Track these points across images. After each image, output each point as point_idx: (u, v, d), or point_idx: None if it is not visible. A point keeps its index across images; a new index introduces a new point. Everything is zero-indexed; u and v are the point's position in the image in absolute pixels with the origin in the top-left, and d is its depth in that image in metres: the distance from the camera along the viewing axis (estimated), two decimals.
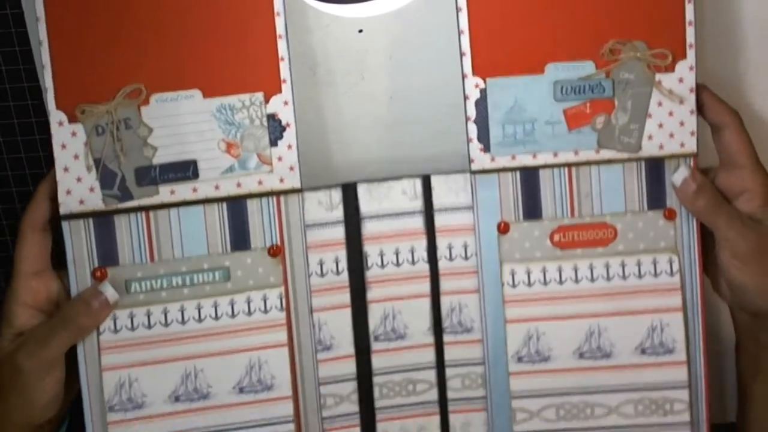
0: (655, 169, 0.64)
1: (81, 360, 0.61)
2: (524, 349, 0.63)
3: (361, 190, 0.64)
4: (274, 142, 0.62)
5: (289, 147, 0.62)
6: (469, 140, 0.63)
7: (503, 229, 0.64)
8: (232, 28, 0.60)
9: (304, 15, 0.63)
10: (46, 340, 0.58)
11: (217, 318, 0.62)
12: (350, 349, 0.64)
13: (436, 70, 0.64)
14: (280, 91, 0.61)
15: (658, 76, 0.62)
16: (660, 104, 0.62)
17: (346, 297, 0.64)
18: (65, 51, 0.59)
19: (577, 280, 0.63)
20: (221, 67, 0.60)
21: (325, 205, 0.63)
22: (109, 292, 0.59)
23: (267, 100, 0.61)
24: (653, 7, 0.61)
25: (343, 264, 0.64)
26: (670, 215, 0.64)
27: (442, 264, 0.64)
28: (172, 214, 0.63)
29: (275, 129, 0.61)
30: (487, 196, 0.64)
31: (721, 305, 0.66)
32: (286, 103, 0.61)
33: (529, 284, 0.63)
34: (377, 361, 0.64)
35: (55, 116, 0.60)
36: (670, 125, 0.63)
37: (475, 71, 0.62)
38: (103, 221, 0.62)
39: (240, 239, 0.63)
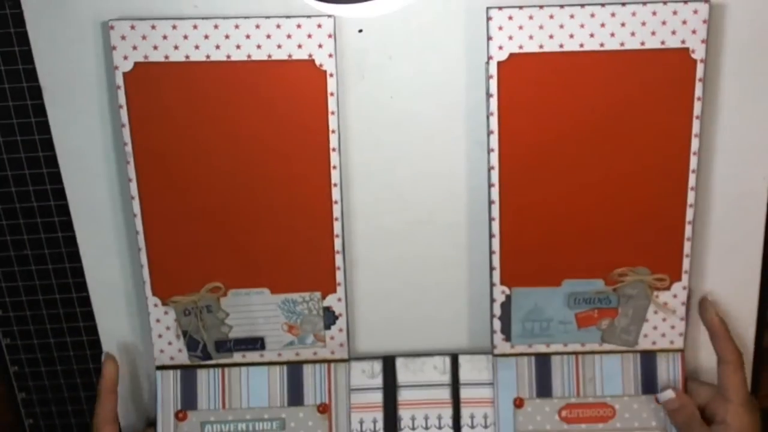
0: (648, 360, 0.75)
1: None
2: None
3: (399, 363, 0.76)
4: (327, 326, 0.74)
5: (340, 330, 0.74)
6: (493, 332, 0.74)
7: (519, 404, 0.76)
8: (299, 240, 0.72)
9: None
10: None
11: None
12: None
13: (436, 69, 0.68)
14: (335, 292, 0.73)
15: (656, 293, 0.73)
16: (656, 312, 0.74)
17: None
18: (159, 253, 0.71)
19: None
20: (287, 271, 0.72)
21: (368, 374, 0.76)
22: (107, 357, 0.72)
23: (324, 297, 0.73)
24: (656, 240, 0.71)
25: (380, 424, 0.76)
26: None
27: (465, 431, 0.76)
28: (242, 372, 0.76)
29: (329, 317, 0.74)
30: (506, 375, 0.76)
31: None
32: (339, 300, 0.73)
33: None
34: None
35: (152, 300, 0.73)
36: (663, 327, 0.74)
37: (503, 281, 0.73)
38: (187, 374, 0.75)
39: (295, 396, 0.76)
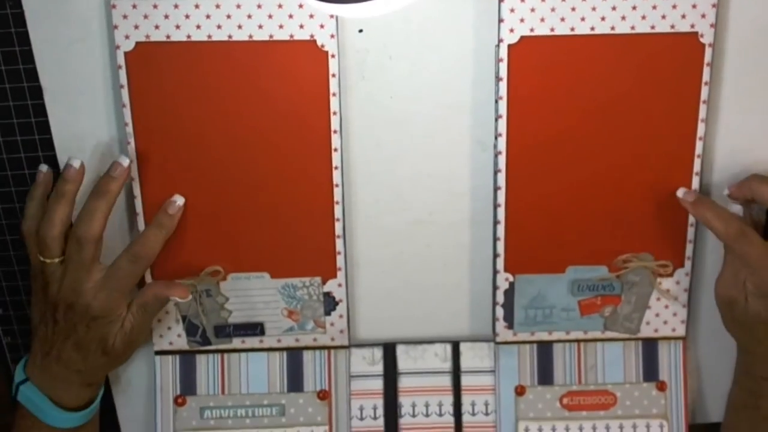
0: (650, 348, 0.75)
1: None
2: None
3: (400, 350, 0.75)
4: (328, 312, 0.73)
5: (341, 316, 0.73)
6: (496, 319, 0.74)
7: (520, 391, 0.75)
8: (300, 225, 0.71)
9: None
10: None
11: None
12: None
13: (436, 69, 0.67)
14: (336, 277, 0.72)
15: (659, 279, 0.72)
16: (658, 299, 0.73)
17: None
18: None
19: None
20: (288, 255, 0.71)
21: (368, 361, 0.75)
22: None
23: (324, 283, 0.72)
24: (660, 226, 0.71)
25: (380, 411, 0.76)
26: (662, 387, 0.75)
27: (465, 418, 0.76)
28: (242, 357, 0.75)
29: (329, 303, 0.73)
30: (508, 363, 0.75)
31: None
32: (340, 285, 0.72)
33: None
34: None
35: None
36: (665, 315, 0.74)
37: (507, 268, 0.72)
38: (186, 359, 0.74)
39: (295, 383, 0.75)
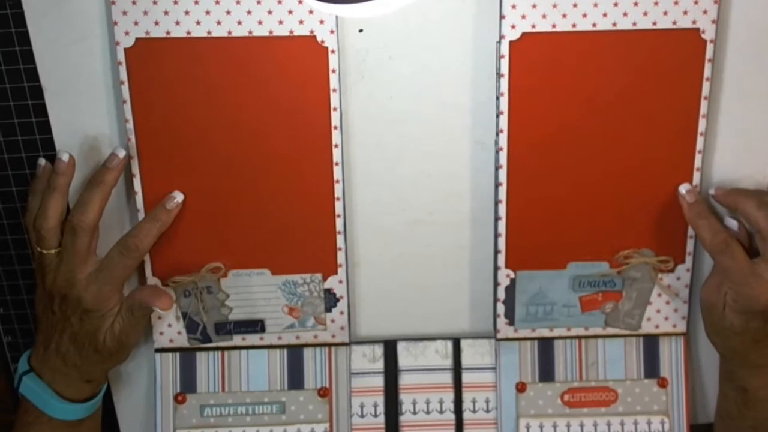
0: (651, 344, 0.75)
1: None
2: None
3: (400, 347, 0.75)
4: (328, 309, 0.73)
5: (341, 313, 0.73)
6: (496, 316, 0.73)
7: (521, 388, 0.75)
8: (301, 221, 0.71)
9: None
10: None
11: None
12: None
13: (436, 69, 0.67)
14: (336, 273, 0.72)
15: (660, 275, 0.72)
16: (659, 295, 0.73)
17: None
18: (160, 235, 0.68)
19: None
20: (288, 252, 0.71)
21: (369, 358, 0.75)
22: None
23: (325, 279, 0.72)
24: (661, 222, 0.71)
25: (381, 408, 0.76)
26: (663, 383, 0.75)
27: (466, 415, 0.76)
28: (242, 355, 0.75)
29: (330, 300, 0.73)
30: (509, 359, 0.75)
31: None
32: (341, 281, 0.72)
33: None
34: None
35: (152, 281, 0.71)
36: (666, 311, 0.74)
37: (508, 265, 0.72)
38: (186, 356, 0.74)
39: (295, 380, 0.75)
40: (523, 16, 0.64)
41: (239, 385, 0.75)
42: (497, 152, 0.68)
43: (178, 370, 0.74)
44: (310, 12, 0.64)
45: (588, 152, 0.68)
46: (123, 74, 0.64)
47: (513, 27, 0.64)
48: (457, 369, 0.75)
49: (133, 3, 0.63)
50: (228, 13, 0.64)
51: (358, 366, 0.74)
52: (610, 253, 0.71)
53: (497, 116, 0.67)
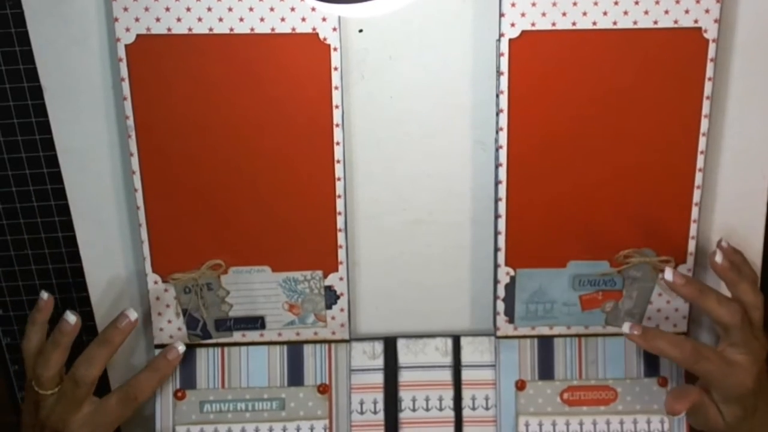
0: None
1: None
2: None
3: (400, 344, 0.75)
4: (329, 306, 0.73)
5: (342, 310, 0.73)
6: (496, 313, 0.74)
7: (520, 386, 0.75)
8: (301, 218, 0.71)
9: None
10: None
11: None
12: None
13: (436, 69, 0.67)
14: (337, 270, 0.72)
15: (661, 275, 0.72)
16: (660, 295, 0.73)
17: None
18: (160, 229, 0.70)
19: None
20: (289, 249, 0.71)
21: (369, 355, 0.75)
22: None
23: (325, 276, 0.72)
24: (662, 221, 0.71)
25: (380, 405, 0.76)
26: (663, 382, 0.75)
27: (466, 412, 0.76)
28: (242, 351, 0.75)
29: (331, 297, 0.73)
30: (508, 357, 0.75)
31: None
32: (341, 279, 0.72)
33: None
34: None
35: (152, 277, 0.72)
36: (667, 310, 0.74)
37: (508, 262, 0.72)
38: (186, 353, 0.74)
39: (295, 377, 0.75)
40: (523, 14, 0.64)
41: (239, 382, 0.75)
42: (497, 150, 0.68)
43: (178, 366, 0.74)
44: (313, 9, 0.64)
45: (588, 151, 0.68)
46: (124, 71, 0.64)
47: (513, 25, 0.64)
48: (456, 366, 0.75)
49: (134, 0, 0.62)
50: (230, 10, 0.64)
51: (358, 363, 0.75)
52: (611, 252, 0.71)
53: (497, 114, 0.67)
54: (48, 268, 0.74)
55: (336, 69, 0.65)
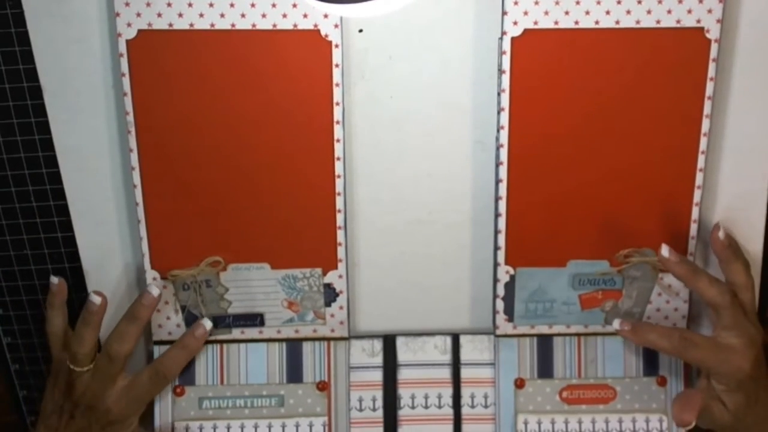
0: None
1: None
2: None
3: (400, 342, 0.75)
4: (328, 303, 0.73)
5: (341, 308, 0.73)
6: (496, 312, 0.73)
7: (520, 384, 0.75)
8: (301, 216, 0.71)
9: None
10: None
11: None
12: None
13: (436, 69, 0.67)
14: (336, 268, 0.72)
15: (661, 274, 0.72)
16: (660, 294, 0.73)
17: (379, 431, 0.76)
18: (159, 226, 0.70)
19: None
20: (288, 246, 0.71)
21: (368, 352, 0.75)
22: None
23: (324, 274, 0.72)
24: (662, 221, 0.71)
25: (379, 402, 0.76)
26: (662, 382, 0.75)
27: (465, 410, 0.76)
28: (241, 348, 0.75)
29: (330, 294, 0.73)
30: (508, 355, 0.75)
31: None
32: (340, 276, 0.72)
33: None
34: None
35: (150, 274, 0.72)
36: (666, 310, 0.74)
37: (508, 261, 0.72)
38: None
39: (294, 373, 0.75)
40: (525, 13, 0.64)
41: (238, 378, 0.75)
42: (498, 149, 0.68)
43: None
44: (314, 6, 0.63)
45: (589, 150, 0.68)
46: (124, 66, 0.64)
47: (515, 23, 0.64)
48: (456, 364, 0.75)
49: None
50: (231, 5, 0.64)
51: (357, 360, 0.75)
52: (611, 251, 0.71)
53: (498, 113, 0.67)
54: (47, 269, 0.74)
55: (337, 66, 0.65)
